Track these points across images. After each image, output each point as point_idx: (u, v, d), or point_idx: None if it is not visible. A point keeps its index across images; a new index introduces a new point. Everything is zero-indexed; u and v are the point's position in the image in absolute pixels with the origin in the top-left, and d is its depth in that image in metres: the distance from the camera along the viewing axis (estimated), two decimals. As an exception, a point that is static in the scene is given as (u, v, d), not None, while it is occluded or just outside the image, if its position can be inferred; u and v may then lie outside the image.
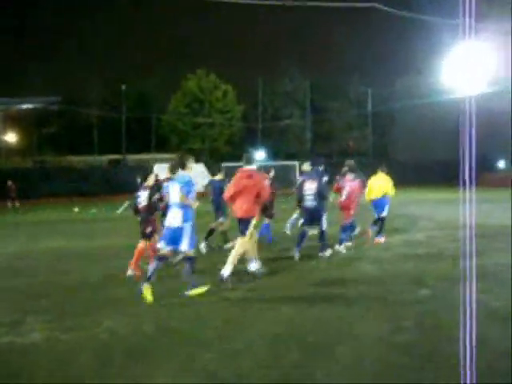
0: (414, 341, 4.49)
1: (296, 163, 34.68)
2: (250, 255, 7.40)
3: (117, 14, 63.17)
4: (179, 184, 6.36)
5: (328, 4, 12.48)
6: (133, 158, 38.42)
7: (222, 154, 41.38)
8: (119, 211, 22.97)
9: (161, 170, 33.02)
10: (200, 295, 6.25)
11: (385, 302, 5.84)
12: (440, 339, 4.50)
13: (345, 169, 10.03)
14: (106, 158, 39.63)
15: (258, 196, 7.23)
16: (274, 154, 42.48)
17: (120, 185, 33.04)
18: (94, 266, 8.95)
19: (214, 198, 10.01)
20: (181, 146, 41.66)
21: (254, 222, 7.29)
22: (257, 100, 42.98)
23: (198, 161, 38.87)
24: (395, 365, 3.98)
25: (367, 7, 12.72)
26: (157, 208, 7.89)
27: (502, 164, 47.23)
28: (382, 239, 10.46)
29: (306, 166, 9.65)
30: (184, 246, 6.31)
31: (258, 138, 43.11)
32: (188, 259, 6.46)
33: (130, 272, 7.64)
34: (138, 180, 25.80)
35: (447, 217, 15.12)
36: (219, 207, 9.91)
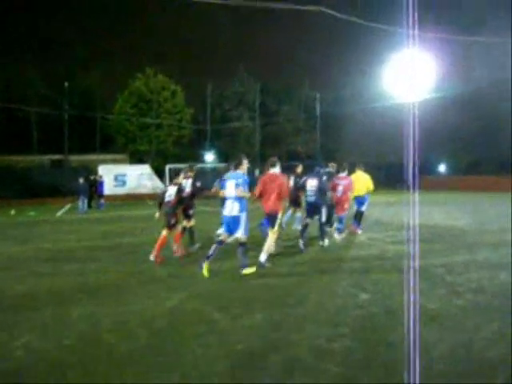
0: (351, 347, 4.39)
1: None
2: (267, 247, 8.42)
3: (61, 6, 60.65)
4: (235, 180, 7.69)
5: (275, 5, 12.47)
6: (76, 158, 37.01)
7: (169, 155, 40.63)
8: (59, 214, 22.03)
9: (106, 172, 32.05)
10: (251, 274, 7.49)
11: (322, 306, 5.71)
12: (378, 344, 4.44)
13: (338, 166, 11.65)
14: (47, 158, 37.93)
15: (280, 194, 8.39)
16: (223, 157, 42.30)
17: (62, 186, 31.86)
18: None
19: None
20: (127, 147, 40.60)
21: (280, 216, 8.55)
22: (206, 102, 42.58)
23: (144, 162, 38.23)
24: (329, 373, 3.86)
25: (314, 11, 12.72)
26: (182, 202, 9.20)
27: (442, 168, 49.33)
28: (359, 230, 12.12)
29: (300, 169, 12.13)
30: (240, 232, 7.62)
31: (207, 140, 42.73)
32: (242, 244, 7.65)
33: (151, 257, 8.84)
34: (81, 181, 24.85)
35: (391, 218, 15.56)
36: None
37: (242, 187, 7.61)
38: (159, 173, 34.93)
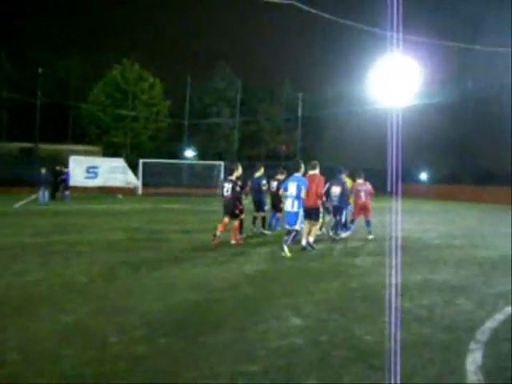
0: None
1: (222, 163, 34.08)
2: (306, 234, 10.23)
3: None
4: (296, 182, 9.59)
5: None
6: (46, 147, 35.81)
7: (145, 149, 39.65)
8: (18, 205, 21.07)
9: (77, 163, 30.93)
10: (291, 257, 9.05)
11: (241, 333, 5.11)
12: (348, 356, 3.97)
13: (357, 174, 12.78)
14: (16, 146, 36.66)
15: (317, 192, 10.02)
16: (201, 153, 41.63)
17: (29, 176, 30.70)
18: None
19: (254, 193, 12.76)
20: (101, 139, 39.50)
21: (321, 209, 10.64)
22: (185, 95, 41.67)
23: (118, 155, 37.24)
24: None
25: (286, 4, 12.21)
26: (238, 196, 10.70)
27: (423, 176, 49.29)
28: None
29: (282, 176, 13.08)
30: (297, 225, 9.60)
31: (184, 135, 41.90)
32: (296, 232, 9.57)
33: (233, 241, 10.61)
34: (42, 171, 23.84)
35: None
36: (259, 201, 12.74)
37: (304, 188, 9.52)
38: (134, 167, 34.03)
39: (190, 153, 46.91)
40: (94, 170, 34.25)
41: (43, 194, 21.91)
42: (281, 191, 10.78)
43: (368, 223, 12.41)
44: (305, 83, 44.75)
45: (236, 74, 43.85)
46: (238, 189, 10.57)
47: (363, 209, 12.49)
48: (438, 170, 44.69)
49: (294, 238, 9.55)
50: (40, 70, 34.61)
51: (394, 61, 36.12)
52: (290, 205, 9.64)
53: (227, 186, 10.60)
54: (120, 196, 29.90)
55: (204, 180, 34.09)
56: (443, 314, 5.65)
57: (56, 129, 40.50)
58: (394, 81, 38.78)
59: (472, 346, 4.58)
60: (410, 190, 39.60)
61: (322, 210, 10.88)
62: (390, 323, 5.16)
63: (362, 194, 12.39)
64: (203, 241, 11.16)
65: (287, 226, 9.72)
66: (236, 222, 10.79)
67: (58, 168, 25.75)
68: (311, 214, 10.02)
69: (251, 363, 4.06)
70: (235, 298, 6.22)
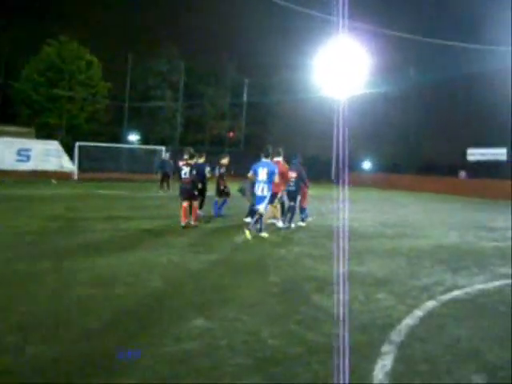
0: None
1: (163, 148, 32.93)
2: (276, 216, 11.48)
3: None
4: (267, 167, 9.94)
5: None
6: (-28, 128, 33.25)
7: (82, 132, 37.64)
8: None
9: (6, 145, 28.83)
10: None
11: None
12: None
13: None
14: None
15: (281, 178, 10.55)
16: (144, 138, 40.20)
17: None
18: None
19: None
20: (33, 120, 37.12)
21: (279, 195, 11.04)
22: (123, 77, 39.84)
23: (53, 138, 35.25)
24: None
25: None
26: (194, 179, 11.16)
27: (367, 165, 50.11)
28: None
29: (226, 160, 13.09)
30: (262, 208, 9.86)
31: (124, 119, 40.24)
32: (260, 216, 9.95)
33: (182, 223, 10.84)
34: None
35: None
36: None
37: (276, 174, 10.00)
38: (70, 150, 32.25)
39: (133, 137, 45.33)
40: (25, 152, 32.20)
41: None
42: (249, 174, 10.42)
43: (302, 210, 12.22)
44: (251, 69, 43.84)
45: (182, 57, 42.43)
46: (194, 172, 11.03)
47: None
48: (382, 159, 45.46)
49: (256, 222, 9.95)
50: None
51: (340, 48, 36.33)
52: (260, 189, 9.96)
53: (185, 170, 11.02)
54: (53, 181, 28.25)
55: (145, 165, 32.81)
56: (361, 311, 5.27)
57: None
58: (340, 69, 39.05)
59: (385, 348, 4.20)
60: (354, 178, 39.97)
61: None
62: (301, 323, 4.72)
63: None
64: (125, 229, 10.42)
65: (252, 208, 10.26)
66: (196, 203, 11.36)
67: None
68: (274, 198, 10.62)
69: (127, 375, 3.48)
70: (140, 293, 5.60)
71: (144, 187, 25.40)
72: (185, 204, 10.98)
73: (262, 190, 9.91)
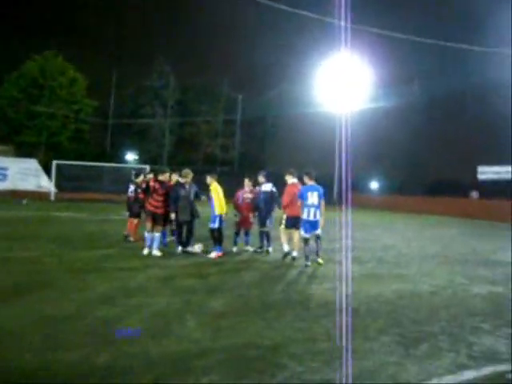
0: None
1: (147, 167, 30.68)
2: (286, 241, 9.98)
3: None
4: (316, 191, 9.40)
5: None
6: None
7: (64, 150, 35.61)
8: None
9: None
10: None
11: None
12: None
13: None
14: None
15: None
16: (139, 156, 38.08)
17: None
18: None
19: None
20: (11, 137, 35.32)
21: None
22: (114, 94, 38.02)
23: (33, 156, 33.40)
24: None
25: None
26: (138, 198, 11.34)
27: (374, 185, 47.05)
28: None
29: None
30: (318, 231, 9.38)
31: (107, 137, 38.22)
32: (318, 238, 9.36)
33: (131, 238, 11.41)
34: None
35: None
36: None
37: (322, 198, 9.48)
38: (49, 169, 30.28)
39: (130, 156, 43.36)
40: (2, 171, 30.50)
41: None
42: (298, 202, 9.51)
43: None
44: (247, 84, 41.80)
45: (175, 74, 40.50)
46: (139, 190, 11.26)
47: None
48: (387, 180, 42.53)
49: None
50: None
51: (341, 60, 33.84)
52: (312, 214, 9.31)
53: (131, 188, 11.72)
54: (25, 201, 26.14)
55: (128, 185, 30.48)
56: None
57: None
58: (342, 82, 36.54)
59: None
60: (358, 199, 37.01)
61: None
62: None
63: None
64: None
65: (307, 234, 9.34)
66: (135, 221, 11.57)
67: None
68: (296, 222, 9.66)
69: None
70: None
71: (113, 209, 23.10)
72: (134, 221, 11.59)
73: (315, 214, 9.31)
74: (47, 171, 30.44)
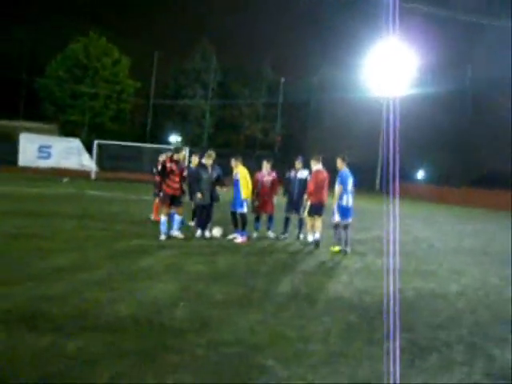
0: None
1: (187, 149, 30.71)
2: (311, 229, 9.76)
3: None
4: (351, 178, 9.25)
5: None
6: (-4, 123, 32.67)
7: (107, 130, 36.17)
8: None
9: (28, 141, 27.88)
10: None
11: None
12: None
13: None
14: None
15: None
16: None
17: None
18: None
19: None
20: (57, 117, 36.15)
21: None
22: (156, 75, 38.13)
23: (76, 135, 34.10)
24: None
25: None
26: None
27: (420, 175, 45.31)
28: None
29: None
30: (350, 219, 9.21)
31: (148, 117, 38.43)
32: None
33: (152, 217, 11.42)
34: None
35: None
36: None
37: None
38: (91, 148, 30.82)
39: (174, 138, 43.61)
40: (46, 149, 31.28)
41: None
42: (337, 187, 9.17)
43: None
44: (290, 67, 40.78)
45: (217, 55, 40.17)
46: (155, 170, 11.39)
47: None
48: (434, 169, 40.72)
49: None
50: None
51: (388, 44, 32.33)
52: (350, 201, 9.19)
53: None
54: (65, 179, 26.71)
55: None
56: None
57: (8, 104, 37.04)
58: (389, 66, 35.05)
59: None
60: (404, 189, 35.45)
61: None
62: None
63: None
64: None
65: (343, 221, 9.08)
66: (156, 200, 11.33)
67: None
68: (319, 209, 9.55)
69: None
70: None
71: (149, 189, 23.21)
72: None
73: (351, 201, 9.23)
74: (89, 150, 30.97)
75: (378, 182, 38.15)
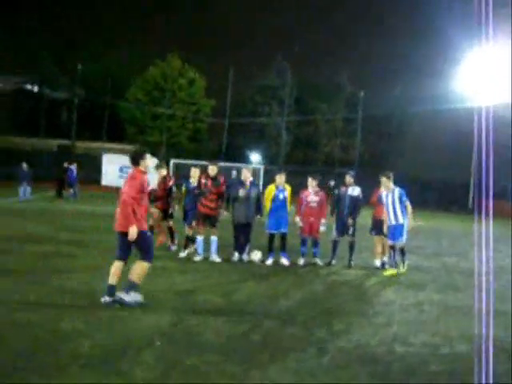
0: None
1: (261, 167, 30.53)
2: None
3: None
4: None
5: None
6: (82, 145, 34.72)
7: (183, 149, 37.01)
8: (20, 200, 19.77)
9: (109, 162, 29.39)
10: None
11: None
12: None
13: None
14: (55, 143, 36.06)
15: None
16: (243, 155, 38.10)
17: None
18: None
19: None
20: (137, 137, 37.64)
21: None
22: (232, 94, 38.39)
23: (155, 155, 35.04)
24: None
25: None
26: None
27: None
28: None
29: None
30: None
31: (223, 136, 38.66)
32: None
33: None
34: (23, 166, 21.58)
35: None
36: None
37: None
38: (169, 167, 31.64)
39: (255, 156, 43.70)
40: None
41: (24, 190, 20.38)
42: (410, 205, 8.78)
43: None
44: (369, 80, 39.13)
45: (293, 71, 39.69)
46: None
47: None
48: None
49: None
50: (79, 67, 33.58)
51: (480, 52, 29.54)
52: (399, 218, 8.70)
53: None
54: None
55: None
56: None
57: (94, 126, 39.46)
58: (481, 75, 32.06)
59: None
60: (501, 208, 31.82)
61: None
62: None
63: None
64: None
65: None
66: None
67: (64, 164, 23.95)
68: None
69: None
70: None
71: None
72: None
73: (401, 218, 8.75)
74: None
75: (470, 200, 35.03)
